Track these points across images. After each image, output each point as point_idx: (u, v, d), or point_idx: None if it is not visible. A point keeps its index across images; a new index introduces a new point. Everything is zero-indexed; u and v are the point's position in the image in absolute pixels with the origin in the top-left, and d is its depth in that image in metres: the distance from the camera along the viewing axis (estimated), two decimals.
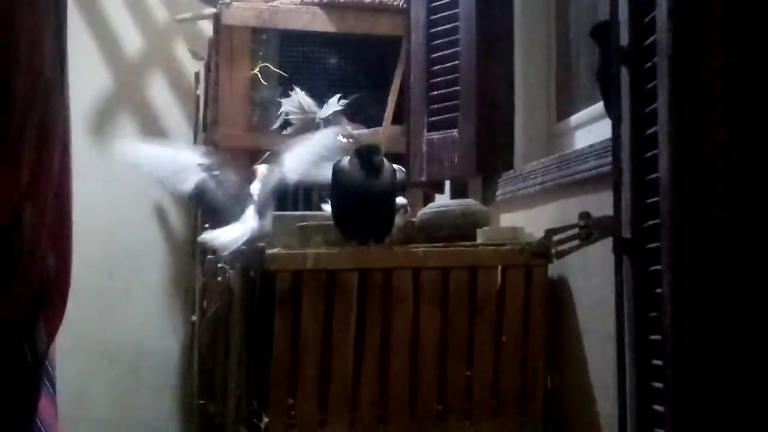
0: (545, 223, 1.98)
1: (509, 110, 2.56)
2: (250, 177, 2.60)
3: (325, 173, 2.16)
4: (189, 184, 2.33)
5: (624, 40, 1.47)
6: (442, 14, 2.72)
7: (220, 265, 2.50)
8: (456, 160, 2.62)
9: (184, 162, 2.38)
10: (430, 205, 2.52)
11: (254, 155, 3.11)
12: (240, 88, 3.28)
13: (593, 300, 1.96)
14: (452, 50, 2.67)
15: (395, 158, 2.53)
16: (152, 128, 3.98)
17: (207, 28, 3.67)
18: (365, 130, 3.24)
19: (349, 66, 3.44)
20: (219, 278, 2.48)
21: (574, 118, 2.41)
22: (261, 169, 2.76)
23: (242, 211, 2.20)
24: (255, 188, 2.42)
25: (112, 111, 3.98)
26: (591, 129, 2.24)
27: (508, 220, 2.47)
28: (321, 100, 3.30)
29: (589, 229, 1.65)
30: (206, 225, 3.25)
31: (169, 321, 3.93)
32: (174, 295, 3.95)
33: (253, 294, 2.12)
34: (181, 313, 3.91)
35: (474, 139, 2.55)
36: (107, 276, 3.83)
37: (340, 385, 2.00)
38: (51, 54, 0.70)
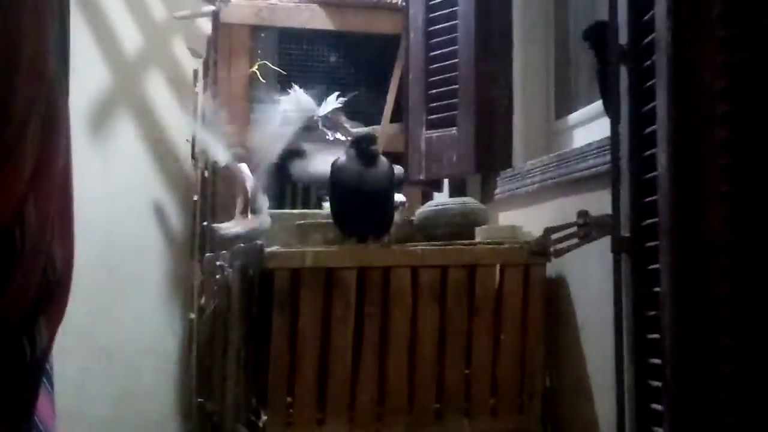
0: (544, 221, 1.98)
1: (508, 108, 2.56)
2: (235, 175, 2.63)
3: (323, 167, 2.17)
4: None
5: (623, 38, 1.47)
6: (441, 12, 2.72)
7: (218, 263, 2.50)
8: (454, 158, 2.62)
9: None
10: (429, 203, 2.52)
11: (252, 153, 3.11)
12: (239, 86, 3.28)
13: (591, 299, 1.96)
14: (451, 48, 2.67)
15: (394, 157, 2.53)
16: (150, 126, 3.97)
17: (206, 25, 3.67)
18: (363, 128, 3.24)
19: (348, 64, 3.44)
20: (217, 276, 2.48)
21: (573, 117, 2.41)
22: (244, 168, 2.77)
23: (242, 206, 2.21)
24: (247, 186, 2.43)
25: (111, 108, 3.98)
26: (590, 127, 2.25)
27: (506, 218, 2.47)
28: (319, 98, 3.30)
29: (587, 228, 1.65)
30: (204, 222, 3.26)
31: (168, 319, 3.92)
32: (173, 293, 3.95)
33: (251, 292, 2.12)
34: (179, 311, 3.90)
35: (472, 138, 2.55)
36: (106, 274, 3.82)
37: (338, 384, 2.00)
38: (55, 51, 0.70)
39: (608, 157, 1.60)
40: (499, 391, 2.08)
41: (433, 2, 2.76)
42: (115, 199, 3.83)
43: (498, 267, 2.09)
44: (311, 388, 1.99)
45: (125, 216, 3.88)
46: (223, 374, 2.26)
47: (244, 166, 2.78)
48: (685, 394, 1.21)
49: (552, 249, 1.82)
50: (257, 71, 3.31)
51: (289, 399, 1.99)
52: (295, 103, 3.28)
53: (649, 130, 1.35)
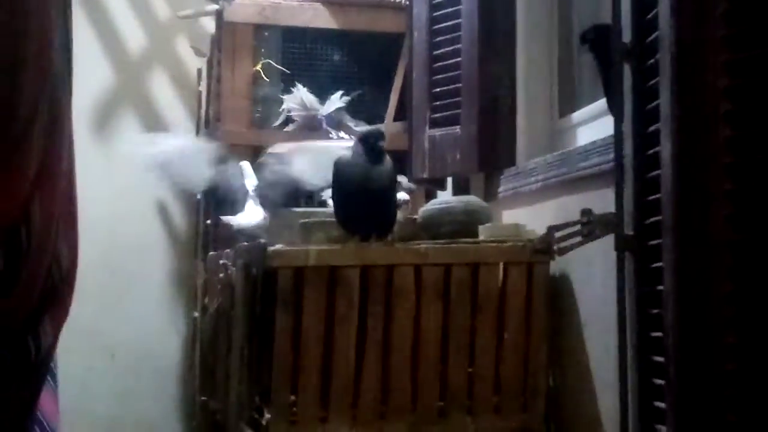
0: (547, 219, 1.98)
1: (511, 107, 2.55)
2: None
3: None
4: (201, 178, 2.34)
5: (626, 37, 1.47)
6: (444, 11, 2.72)
7: (222, 261, 2.50)
8: (458, 156, 2.62)
9: (194, 156, 2.39)
10: (432, 201, 2.52)
11: (256, 152, 3.11)
12: (242, 85, 3.29)
13: (595, 297, 1.96)
14: (454, 47, 2.67)
15: (397, 155, 2.53)
16: (154, 125, 3.98)
17: (209, 24, 3.67)
18: (367, 127, 3.24)
19: (351, 63, 3.44)
20: (221, 275, 2.48)
21: (577, 115, 2.41)
22: (244, 165, 2.78)
23: (244, 203, 2.21)
24: (250, 183, 2.43)
25: (115, 107, 3.98)
26: (593, 126, 2.24)
27: (510, 216, 2.47)
28: (323, 96, 3.30)
29: (591, 226, 1.65)
30: (208, 221, 3.26)
31: (171, 318, 3.93)
32: (176, 291, 3.95)
33: (255, 291, 2.12)
34: (183, 310, 3.91)
35: (476, 136, 2.55)
36: (109, 273, 3.83)
37: (341, 382, 2.00)
38: (59, 50, 0.70)
39: (611, 156, 1.60)
40: (503, 389, 2.08)
41: (436, 1, 2.76)
42: (119, 198, 3.84)
43: (501, 265, 2.09)
44: (314, 387, 1.99)
45: (129, 215, 3.89)
46: (227, 372, 2.27)
47: (245, 164, 2.78)
48: (688, 392, 1.21)
49: (555, 247, 1.81)
50: (261, 70, 3.31)
51: (292, 397, 1.99)
52: (298, 102, 3.29)
53: (652, 128, 1.35)
